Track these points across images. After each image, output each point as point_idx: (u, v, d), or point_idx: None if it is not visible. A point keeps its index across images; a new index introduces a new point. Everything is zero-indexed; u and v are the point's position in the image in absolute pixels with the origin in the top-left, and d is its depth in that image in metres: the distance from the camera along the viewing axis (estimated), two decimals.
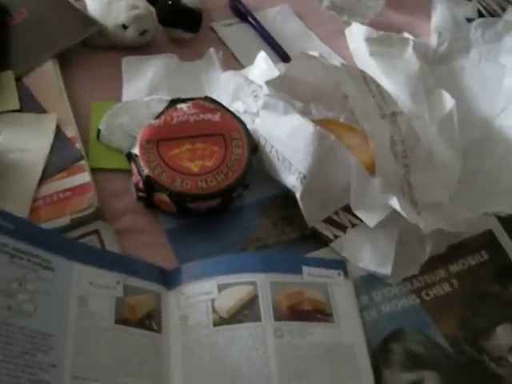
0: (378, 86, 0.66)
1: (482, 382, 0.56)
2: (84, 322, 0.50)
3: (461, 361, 0.57)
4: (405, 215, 0.56)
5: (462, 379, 0.56)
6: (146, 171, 0.59)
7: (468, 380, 0.56)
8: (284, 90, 0.66)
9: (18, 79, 0.68)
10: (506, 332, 0.59)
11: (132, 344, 0.51)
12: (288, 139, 0.60)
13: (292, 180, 0.61)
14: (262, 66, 0.69)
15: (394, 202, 0.56)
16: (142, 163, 0.59)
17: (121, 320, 0.52)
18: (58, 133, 0.64)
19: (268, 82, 0.62)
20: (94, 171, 0.63)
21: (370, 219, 0.59)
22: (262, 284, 0.55)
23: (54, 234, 0.56)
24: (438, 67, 0.79)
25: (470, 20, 0.83)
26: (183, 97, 0.66)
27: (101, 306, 0.52)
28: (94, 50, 0.74)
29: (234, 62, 0.76)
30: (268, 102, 0.61)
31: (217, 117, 0.63)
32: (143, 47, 0.75)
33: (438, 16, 0.85)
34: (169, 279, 0.57)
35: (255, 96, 0.68)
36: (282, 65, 0.70)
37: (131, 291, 0.54)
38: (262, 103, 0.61)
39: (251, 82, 0.68)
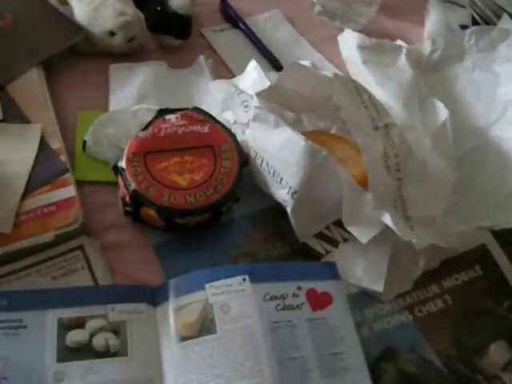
0: (370, 96, 0.64)
1: None
2: None
3: (454, 380, 0.56)
4: (398, 232, 0.55)
5: None
6: (132, 185, 0.57)
7: None
8: (275, 100, 0.64)
9: (2, 88, 0.66)
10: (500, 350, 0.58)
11: None
12: (279, 153, 0.58)
13: (283, 194, 0.59)
14: (253, 76, 0.67)
15: (387, 219, 0.55)
16: (128, 177, 0.58)
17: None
18: (43, 144, 0.62)
19: (258, 94, 0.60)
20: (80, 184, 0.62)
21: (363, 235, 0.57)
22: None
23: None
24: (431, 75, 0.78)
25: (463, 27, 0.81)
26: (172, 106, 0.65)
27: None
28: (81, 57, 0.72)
29: (225, 70, 0.74)
30: (258, 114, 0.59)
31: (206, 128, 0.62)
32: (131, 54, 0.73)
33: (432, 22, 0.84)
34: (155, 296, 0.55)
35: (245, 106, 0.66)
36: (274, 73, 0.68)
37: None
38: (252, 115, 0.60)
39: (241, 91, 0.67)
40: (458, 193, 0.67)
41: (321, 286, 0.57)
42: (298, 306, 0.55)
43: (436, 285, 0.61)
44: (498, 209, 0.66)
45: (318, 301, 0.56)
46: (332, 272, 0.59)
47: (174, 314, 0.54)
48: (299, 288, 0.56)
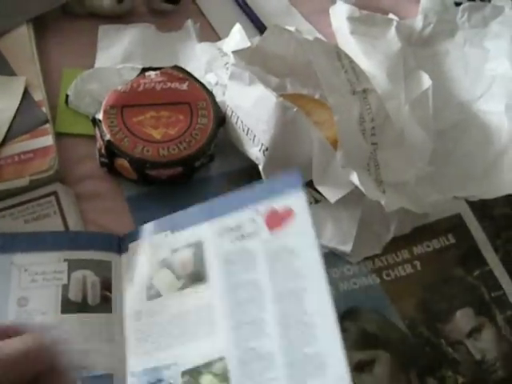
0: (351, 61, 0.65)
1: (436, 365, 0.56)
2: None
3: (416, 343, 0.56)
4: (364, 190, 0.55)
5: (415, 361, 0.55)
6: (107, 136, 0.59)
7: (422, 362, 0.55)
8: (257, 63, 0.65)
9: None
10: (466, 316, 0.58)
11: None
12: (252, 110, 0.59)
13: (255, 151, 0.60)
14: (237, 38, 0.68)
15: (354, 177, 0.56)
16: (104, 128, 0.59)
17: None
18: (26, 96, 0.63)
19: (235, 52, 0.61)
20: (61, 136, 0.63)
21: (332, 195, 0.58)
22: None
23: None
24: (422, 50, 0.77)
25: (458, 4, 0.80)
26: (157, 66, 0.66)
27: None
28: (72, 18, 0.73)
29: (213, 35, 0.75)
30: (234, 72, 0.60)
31: (184, 86, 0.63)
32: (122, 16, 0.74)
33: None
34: (121, 244, 0.56)
35: (227, 68, 0.67)
36: (257, 38, 0.68)
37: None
38: (229, 73, 0.61)
39: (225, 53, 0.68)
40: (438, 164, 0.67)
41: (281, 201, 0.51)
42: (255, 233, 0.51)
43: (406, 250, 0.62)
44: (477, 180, 0.66)
45: (278, 219, 0.51)
46: (293, 181, 0.52)
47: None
48: (257, 212, 0.51)
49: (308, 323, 0.45)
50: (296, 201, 0.51)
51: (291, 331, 0.46)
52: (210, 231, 0.53)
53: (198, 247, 0.52)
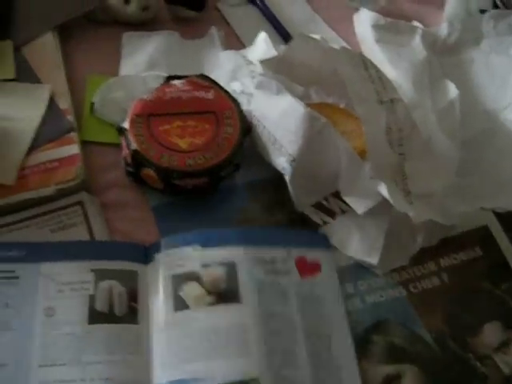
0: (377, 71, 0.64)
1: (465, 380, 0.55)
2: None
3: (444, 357, 0.55)
4: (392, 202, 0.54)
5: (443, 376, 0.55)
6: (134, 145, 0.58)
7: (450, 377, 0.55)
8: (282, 71, 0.65)
9: (18, 49, 0.68)
10: (494, 330, 0.57)
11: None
12: (279, 120, 0.58)
13: (282, 162, 0.59)
14: (262, 47, 0.68)
15: (383, 189, 0.55)
16: (130, 137, 0.59)
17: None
18: (51, 104, 0.63)
19: (263, 62, 0.60)
20: (86, 144, 0.63)
21: (359, 206, 0.57)
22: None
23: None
24: (447, 58, 0.77)
25: (483, 11, 0.80)
26: (181, 74, 0.66)
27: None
28: (96, 25, 0.73)
29: (237, 43, 0.75)
30: (261, 81, 0.60)
31: (210, 95, 0.62)
32: (146, 24, 0.74)
33: (452, 6, 0.82)
34: (147, 254, 0.56)
35: (253, 77, 0.66)
36: (283, 46, 0.68)
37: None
38: (256, 83, 0.60)
39: (250, 62, 0.67)
40: (464, 174, 0.66)
41: (310, 254, 0.58)
42: (286, 272, 0.56)
43: (433, 262, 0.61)
44: (503, 191, 0.65)
45: (307, 268, 0.57)
46: (322, 241, 0.60)
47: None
48: (289, 253, 0.57)
49: (335, 365, 0.52)
50: (324, 257, 0.58)
51: (320, 369, 0.51)
52: (244, 256, 0.55)
53: (231, 267, 0.54)
